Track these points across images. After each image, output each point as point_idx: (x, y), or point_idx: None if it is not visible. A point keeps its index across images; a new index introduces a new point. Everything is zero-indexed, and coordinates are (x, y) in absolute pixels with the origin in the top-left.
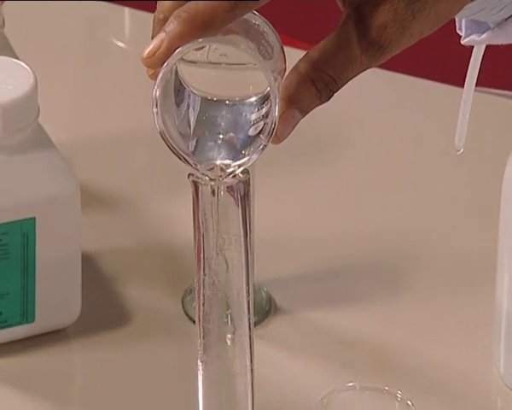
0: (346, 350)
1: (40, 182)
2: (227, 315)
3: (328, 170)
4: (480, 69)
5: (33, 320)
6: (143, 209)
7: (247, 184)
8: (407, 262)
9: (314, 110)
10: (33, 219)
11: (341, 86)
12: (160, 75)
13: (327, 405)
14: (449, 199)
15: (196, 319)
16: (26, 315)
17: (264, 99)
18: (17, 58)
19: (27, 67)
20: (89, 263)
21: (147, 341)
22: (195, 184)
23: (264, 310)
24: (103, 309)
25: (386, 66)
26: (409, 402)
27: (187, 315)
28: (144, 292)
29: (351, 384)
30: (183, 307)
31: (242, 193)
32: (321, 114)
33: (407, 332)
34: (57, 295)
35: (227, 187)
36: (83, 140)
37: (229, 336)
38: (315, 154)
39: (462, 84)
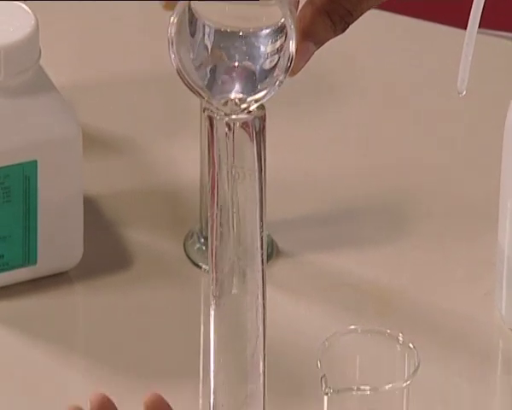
0: (348, 293)
1: (42, 124)
2: (240, 251)
3: (331, 113)
4: (482, 11)
5: (35, 263)
6: (146, 152)
7: (262, 119)
8: (410, 206)
9: (322, 52)
10: (35, 161)
11: (356, 18)
12: (176, 10)
13: (329, 347)
14: (451, 142)
15: (209, 255)
16: (28, 258)
17: (278, 32)
18: (18, 0)
19: (28, 10)
20: (91, 206)
21: (149, 283)
22: (211, 119)
23: (267, 253)
24: (105, 252)
25: (389, 8)
26: (410, 345)
27: (189, 258)
28: (146, 235)
29: (353, 327)
30: (185, 249)
31: (258, 129)
32: (327, 55)
33: (409, 275)
34: (59, 237)
35: (242, 123)
36: (85, 83)
37: (241, 271)
38: (318, 96)
39: (464, 27)
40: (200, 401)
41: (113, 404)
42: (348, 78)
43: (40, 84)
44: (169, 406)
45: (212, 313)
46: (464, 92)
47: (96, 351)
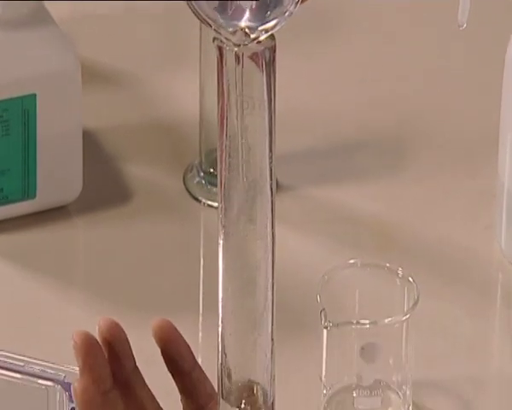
0: (348, 227)
1: (40, 57)
2: (249, 181)
3: (332, 49)
4: None
5: (34, 197)
6: (145, 86)
7: (272, 50)
8: (410, 140)
9: None
10: (34, 95)
11: None
12: None
13: (328, 281)
14: (452, 76)
15: (218, 186)
16: (28, 191)
17: None
18: None
19: None
20: (90, 140)
21: (148, 217)
22: (220, 49)
23: None
24: (105, 186)
25: None
26: (410, 279)
27: (188, 192)
28: (146, 169)
29: (352, 261)
30: (185, 184)
31: (267, 59)
32: None
33: (409, 209)
34: (58, 171)
35: (252, 53)
36: (84, 16)
37: (250, 202)
38: (319, 33)
39: None
40: (200, 335)
41: (122, 329)
42: (350, 15)
43: (39, 17)
44: (177, 331)
45: (221, 243)
46: (465, 25)
47: (95, 285)
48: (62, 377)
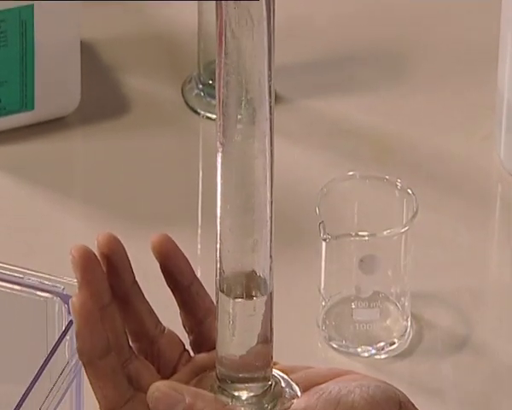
0: (346, 139)
1: None
2: (247, 99)
3: None
4: None
5: (33, 108)
6: None
7: None
8: (409, 51)
9: None
10: (31, 5)
11: None
12: None
13: (327, 194)
14: None
15: (216, 102)
16: (26, 102)
17: None
18: None
19: None
20: (88, 51)
21: (147, 129)
22: None
23: None
24: (103, 98)
25: None
26: (409, 191)
27: (187, 104)
28: (144, 81)
29: (351, 173)
30: (183, 95)
31: None
32: None
33: (408, 121)
34: (56, 82)
35: None
36: None
37: (248, 119)
38: None
39: None
40: (199, 247)
41: (121, 243)
42: None
43: None
44: (176, 245)
45: (219, 160)
46: None
47: (94, 197)
48: (61, 290)
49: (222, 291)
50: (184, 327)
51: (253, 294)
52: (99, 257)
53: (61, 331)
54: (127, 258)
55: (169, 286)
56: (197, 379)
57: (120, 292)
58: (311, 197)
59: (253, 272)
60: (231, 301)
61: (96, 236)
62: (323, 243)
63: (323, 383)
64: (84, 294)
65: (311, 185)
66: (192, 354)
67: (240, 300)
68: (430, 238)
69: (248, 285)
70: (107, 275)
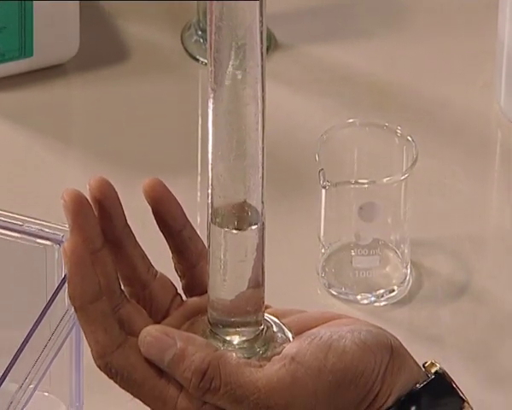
0: (347, 86)
1: None
2: (238, 45)
3: None
4: None
5: (32, 54)
6: None
7: None
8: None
9: None
10: None
11: None
12: None
13: (327, 141)
14: None
15: (207, 48)
16: (24, 49)
17: None
18: None
19: None
20: None
21: (146, 76)
22: None
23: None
24: (102, 45)
25: None
26: (409, 138)
27: (186, 51)
28: (143, 27)
29: (351, 121)
30: (183, 42)
31: None
32: None
33: (409, 69)
34: (55, 29)
35: None
36: None
37: (239, 65)
38: None
39: None
40: (199, 194)
41: (113, 188)
42: None
43: None
44: (168, 190)
45: (211, 106)
46: None
47: (92, 144)
48: (60, 237)
49: (214, 223)
50: (176, 271)
51: (245, 225)
52: (91, 201)
53: (61, 279)
54: (119, 202)
55: (161, 231)
56: (189, 323)
57: (112, 236)
58: (311, 145)
59: (245, 205)
60: (223, 231)
61: (88, 180)
62: (323, 191)
63: (316, 327)
64: (75, 239)
65: (310, 133)
66: (184, 298)
67: (233, 231)
68: (430, 185)
69: (240, 219)
70: (99, 219)
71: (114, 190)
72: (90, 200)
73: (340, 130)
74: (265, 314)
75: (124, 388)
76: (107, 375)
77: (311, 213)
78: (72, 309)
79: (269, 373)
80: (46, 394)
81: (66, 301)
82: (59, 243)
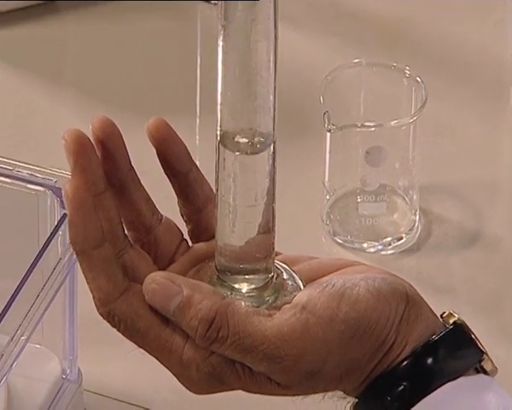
0: (353, 24)
1: None
2: None
3: None
4: None
5: None
6: None
7: None
8: None
9: None
10: None
11: None
12: None
13: (332, 82)
14: None
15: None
16: None
17: None
18: None
19: None
20: None
21: (143, 14)
22: None
23: None
24: None
25: None
26: (418, 79)
27: None
28: None
29: (357, 60)
30: None
31: None
32: None
33: (419, 5)
34: None
35: None
36: None
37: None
38: None
39: None
40: (197, 138)
41: (117, 128)
42: None
43: None
44: (173, 130)
45: (220, 43)
46: None
47: (87, 84)
48: (53, 182)
49: (224, 145)
50: (182, 216)
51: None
52: (93, 142)
53: (54, 226)
54: (123, 143)
55: (166, 173)
56: (195, 270)
57: (116, 179)
58: (315, 86)
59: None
60: (232, 155)
61: (91, 121)
62: (328, 134)
63: (328, 275)
64: (77, 181)
65: (314, 73)
66: (190, 243)
67: (242, 155)
68: (440, 129)
69: (249, 140)
70: (102, 161)
71: (118, 130)
72: (92, 141)
73: (346, 70)
74: (275, 261)
75: (127, 337)
76: (110, 323)
77: (316, 158)
78: (66, 258)
79: (278, 322)
80: (38, 346)
81: (59, 250)
82: (52, 188)
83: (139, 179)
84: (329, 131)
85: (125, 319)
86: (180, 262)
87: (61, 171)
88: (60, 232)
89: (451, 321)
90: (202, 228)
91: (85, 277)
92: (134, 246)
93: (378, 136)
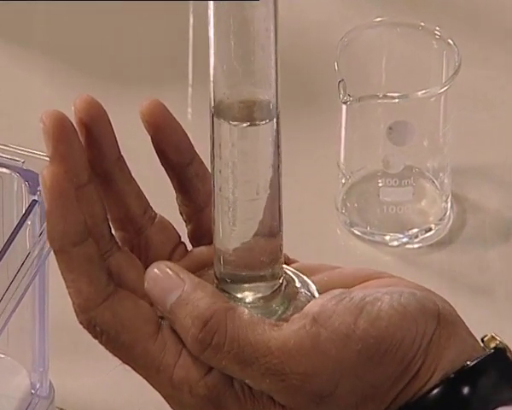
0: None
1: None
2: None
3: None
4: None
5: None
6: None
7: None
8: None
9: None
10: None
11: None
12: None
13: (348, 45)
14: None
15: None
16: None
17: None
18: None
19: None
20: None
21: None
22: None
23: None
24: None
25: None
26: (450, 41)
27: None
28: None
29: (378, 19)
30: None
31: None
32: None
33: None
34: None
35: None
36: None
37: None
38: None
39: None
40: (189, 110)
41: (103, 110)
42: None
43: None
44: (171, 115)
45: (211, 7)
46: None
47: (70, 54)
48: (21, 164)
49: (219, 116)
50: (181, 215)
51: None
52: (76, 126)
53: (21, 215)
54: (111, 128)
55: (163, 165)
56: None
57: (101, 170)
58: (330, 49)
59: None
60: (229, 126)
61: (72, 98)
62: (344, 107)
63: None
64: (56, 170)
65: (328, 35)
66: (189, 247)
67: (242, 124)
68: (475, 100)
69: (250, 112)
70: (86, 148)
71: (105, 112)
72: (75, 124)
73: (365, 31)
74: (286, 267)
75: (110, 350)
76: (91, 334)
77: (329, 135)
78: (36, 252)
79: (285, 334)
80: (3, 356)
81: (27, 243)
82: (19, 170)
83: (129, 170)
84: (345, 102)
85: (107, 329)
86: None
87: (30, 150)
88: (28, 222)
89: (492, 345)
90: (203, 230)
91: (64, 279)
92: (122, 248)
93: (403, 109)
